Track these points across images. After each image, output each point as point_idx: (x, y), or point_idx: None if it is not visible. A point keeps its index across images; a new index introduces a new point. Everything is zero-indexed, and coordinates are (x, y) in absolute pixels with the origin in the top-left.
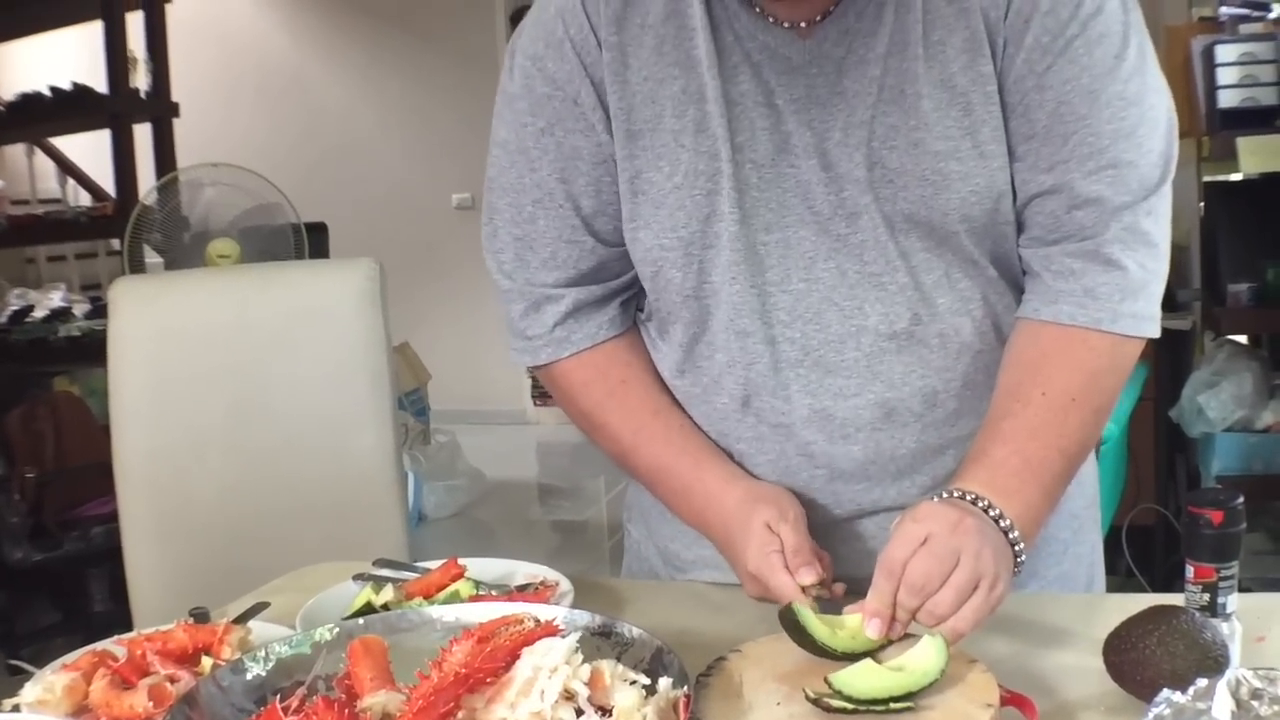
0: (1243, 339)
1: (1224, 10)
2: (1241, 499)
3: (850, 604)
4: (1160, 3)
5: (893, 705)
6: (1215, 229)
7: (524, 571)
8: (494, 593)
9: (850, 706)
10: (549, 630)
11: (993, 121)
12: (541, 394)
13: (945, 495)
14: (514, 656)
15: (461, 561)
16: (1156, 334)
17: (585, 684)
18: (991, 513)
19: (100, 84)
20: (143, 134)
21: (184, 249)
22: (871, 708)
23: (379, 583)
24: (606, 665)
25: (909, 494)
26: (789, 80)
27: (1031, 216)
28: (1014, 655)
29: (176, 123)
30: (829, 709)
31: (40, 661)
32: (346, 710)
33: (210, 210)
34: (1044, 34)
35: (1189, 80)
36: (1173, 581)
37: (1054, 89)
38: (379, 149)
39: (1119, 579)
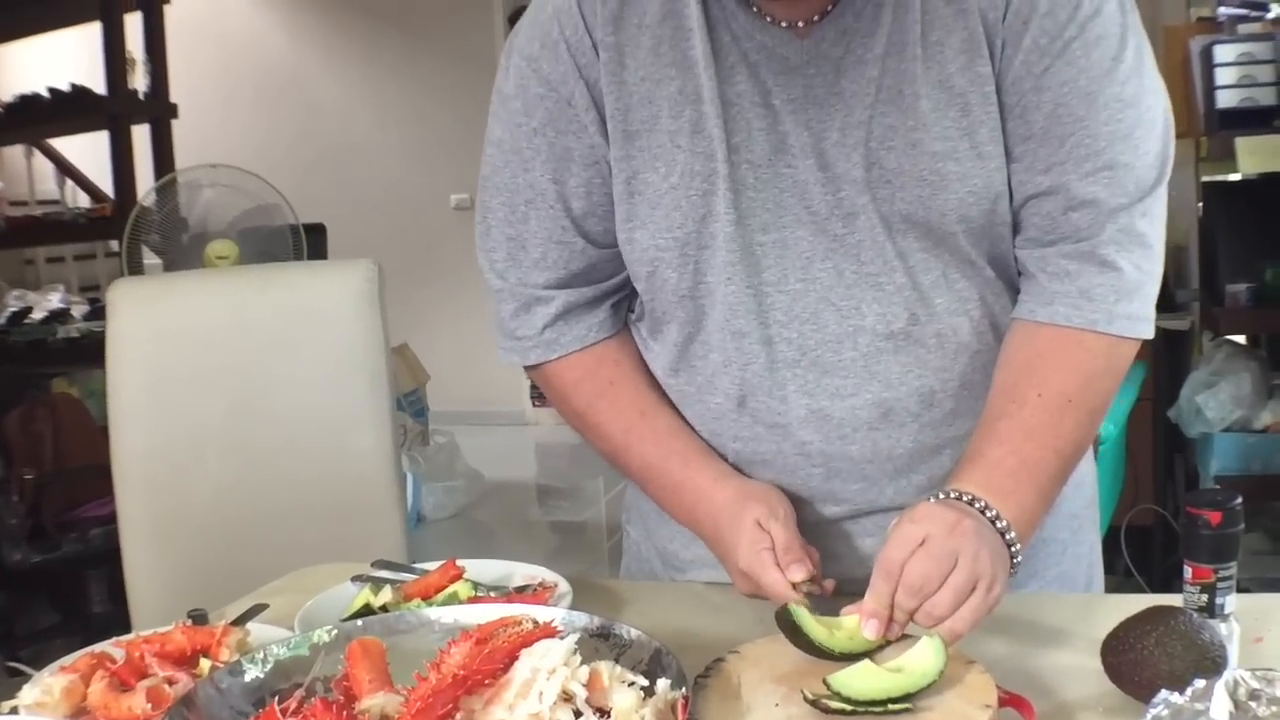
0: (1241, 339)
1: (1222, 10)
2: (1240, 499)
3: (848, 604)
4: (1159, 3)
5: (891, 706)
6: (1214, 229)
7: (522, 573)
8: (492, 594)
9: (848, 708)
10: (547, 632)
11: (990, 122)
12: (540, 395)
13: (942, 496)
14: (512, 658)
15: (460, 563)
16: (1151, 335)
17: (583, 685)
18: (988, 514)
19: (99, 85)
20: (141, 135)
21: (182, 250)
22: (870, 709)
23: (377, 584)
24: (605, 666)
25: (906, 493)
26: (786, 80)
27: (1027, 217)
28: (1012, 656)
29: (175, 124)
30: (827, 710)
31: (39, 663)
32: (345, 712)
33: (209, 211)
34: (1042, 35)
35: (1187, 80)
36: (1171, 582)
37: (1051, 90)
38: (377, 150)
39: (1117, 579)
